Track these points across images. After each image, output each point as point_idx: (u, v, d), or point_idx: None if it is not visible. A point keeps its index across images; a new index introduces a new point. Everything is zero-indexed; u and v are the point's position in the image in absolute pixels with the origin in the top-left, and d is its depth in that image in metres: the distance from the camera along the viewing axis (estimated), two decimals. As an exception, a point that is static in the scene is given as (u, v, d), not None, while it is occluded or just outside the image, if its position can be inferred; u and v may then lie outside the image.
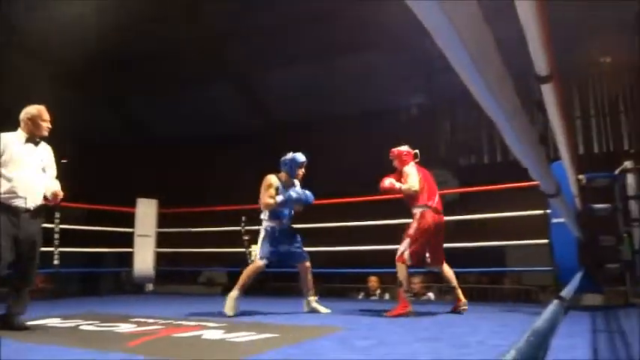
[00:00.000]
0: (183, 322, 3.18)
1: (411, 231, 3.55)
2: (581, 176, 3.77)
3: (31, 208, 2.85)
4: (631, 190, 4.05)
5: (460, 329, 2.88)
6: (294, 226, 3.90)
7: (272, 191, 3.70)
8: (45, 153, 3.01)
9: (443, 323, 3.19)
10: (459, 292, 3.64)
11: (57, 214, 5.07)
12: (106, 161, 9.06)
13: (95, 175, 8.42)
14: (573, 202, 3.51)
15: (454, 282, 3.65)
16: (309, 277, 3.80)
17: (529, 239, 4.52)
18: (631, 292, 4.13)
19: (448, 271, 3.67)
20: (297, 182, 3.83)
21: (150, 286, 6.40)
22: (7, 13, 5.92)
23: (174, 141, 9.55)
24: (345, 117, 8.33)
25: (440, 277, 6.52)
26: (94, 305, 4.40)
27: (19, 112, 2.96)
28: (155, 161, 9.58)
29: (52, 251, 5.14)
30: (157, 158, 9.64)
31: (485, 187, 5.10)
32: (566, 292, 2.13)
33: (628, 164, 4.10)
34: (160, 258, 6.51)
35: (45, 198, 2.96)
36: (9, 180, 2.79)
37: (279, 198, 3.66)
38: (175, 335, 2.70)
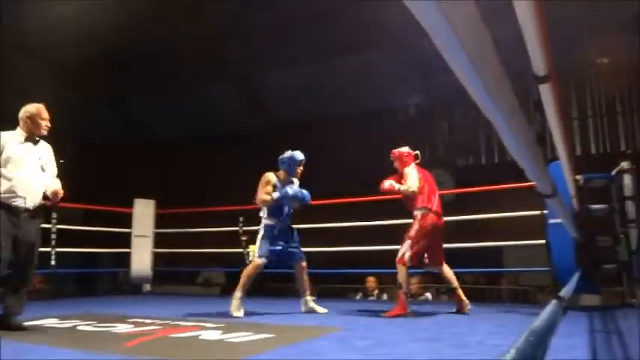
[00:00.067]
0: (181, 323, 3.18)
1: (412, 233, 3.55)
2: (578, 177, 3.78)
3: (31, 208, 2.84)
4: (628, 191, 4.05)
5: (458, 329, 2.89)
6: (294, 225, 3.90)
7: (269, 188, 3.70)
8: (44, 152, 2.99)
9: (441, 323, 3.19)
10: (461, 292, 3.64)
11: (54, 215, 5.06)
12: (105, 161, 9.04)
13: (93, 176, 8.40)
14: (570, 203, 3.52)
15: (455, 283, 3.65)
16: (305, 277, 3.80)
17: (526, 240, 4.53)
18: (628, 293, 4.14)
19: (448, 272, 3.67)
20: (295, 181, 3.83)
21: (147, 287, 6.39)
22: (7, 12, 5.89)
23: (174, 141, 9.53)
24: (345, 117, 8.32)
25: (437, 278, 6.55)
26: (91, 306, 4.38)
27: (18, 111, 2.93)
28: (154, 161, 9.56)
29: (50, 251, 5.13)
30: (156, 158, 9.62)
31: (483, 187, 5.10)
32: (565, 292, 2.13)
33: (625, 165, 4.11)
34: (157, 258, 6.50)
35: (45, 196, 2.94)
36: (8, 180, 2.77)
37: (276, 194, 3.66)
38: (173, 336, 2.69)
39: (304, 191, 3.74)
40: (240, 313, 3.49)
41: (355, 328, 2.96)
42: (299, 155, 3.81)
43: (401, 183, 3.64)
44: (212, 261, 8.06)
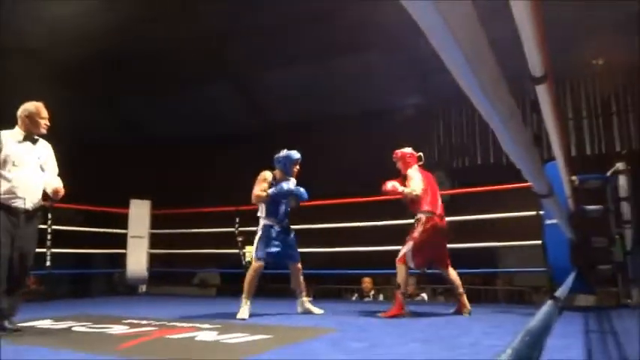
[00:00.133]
0: (177, 324, 3.17)
1: (415, 234, 3.54)
2: (573, 177, 3.79)
3: (30, 209, 2.81)
4: (623, 192, 4.08)
5: (454, 330, 2.89)
6: (291, 226, 3.88)
7: (264, 185, 3.68)
8: (44, 151, 2.95)
9: (437, 324, 3.19)
10: (465, 297, 3.62)
11: (49, 215, 5.03)
12: (101, 161, 8.99)
13: (89, 176, 8.36)
14: (566, 204, 3.53)
15: (460, 288, 3.63)
16: (301, 278, 3.79)
17: (523, 240, 4.54)
18: (623, 293, 4.15)
19: (454, 276, 3.65)
20: (292, 180, 3.80)
21: (143, 288, 6.37)
22: (4, 12, 5.86)
23: (172, 141, 9.51)
24: (345, 117, 8.33)
25: (433, 279, 6.55)
26: (86, 307, 4.36)
27: (14, 110, 2.89)
28: (151, 162, 9.54)
29: (45, 252, 5.10)
30: (154, 159, 9.60)
31: (479, 188, 5.12)
32: (560, 292, 2.14)
33: (620, 166, 4.13)
34: (153, 259, 6.48)
35: (45, 195, 2.91)
36: (8, 180, 2.74)
37: (271, 190, 3.64)
38: (169, 337, 2.68)
39: (301, 188, 3.71)
40: (245, 315, 3.48)
41: (351, 329, 2.96)
42: (295, 154, 3.79)
43: (404, 185, 3.63)
44: (208, 262, 8.04)
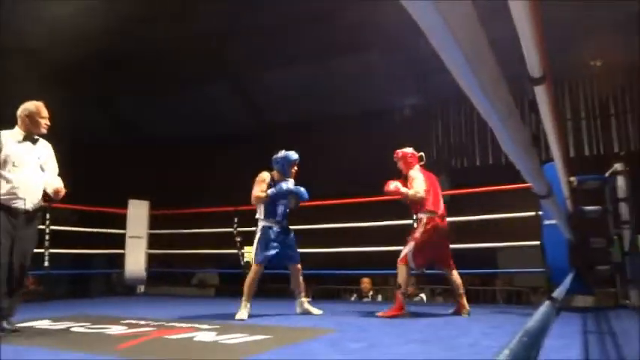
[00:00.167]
0: (176, 324, 3.16)
1: (417, 235, 3.54)
2: (572, 178, 3.80)
3: (30, 210, 2.78)
4: (621, 193, 4.08)
5: (452, 331, 2.89)
6: (290, 227, 3.87)
7: (263, 186, 3.66)
8: (44, 151, 2.92)
9: (435, 325, 3.19)
10: (464, 299, 3.62)
11: (47, 215, 5.02)
12: (100, 161, 8.98)
13: (90, 176, 8.35)
14: (564, 204, 3.54)
15: (461, 289, 3.63)
16: (300, 279, 3.78)
17: (521, 241, 4.55)
18: (621, 294, 4.16)
19: (457, 277, 3.64)
20: (290, 180, 3.78)
21: (141, 288, 6.36)
22: (3, 12, 5.86)
23: (172, 141, 9.51)
24: (345, 117, 8.34)
25: (431, 279, 6.55)
26: (84, 307, 4.36)
27: (12, 110, 2.87)
28: (150, 162, 9.53)
29: (43, 253, 5.09)
30: (153, 159, 9.60)
31: (477, 189, 5.12)
32: (558, 293, 2.14)
33: (618, 167, 4.14)
34: (151, 259, 6.47)
35: (46, 195, 2.89)
36: (8, 181, 2.70)
37: (271, 191, 3.62)
38: (167, 337, 2.68)
39: (301, 188, 3.69)
40: (244, 316, 3.48)
41: (350, 329, 2.96)
42: (293, 155, 3.77)
43: (406, 185, 3.62)
44: (207, 262, 8.04)
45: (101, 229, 6.11)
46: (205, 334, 2.72)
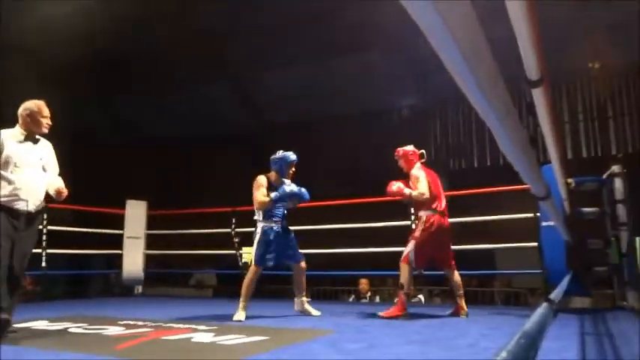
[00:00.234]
0: (173, 325, 3.16)
1: (417, 233, 3.53)
2: (569, 180, 3.81)
3: (33, 211, 2.74)
4: (619, 194, 4.09)
5: (451, 332, 2.89)
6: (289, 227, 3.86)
7: (264, 190, 3.64)
8: (45, 150, 2.86)
9: (433, 326, 3.19)
10: (463, 300, 3.62)
11: (44, 215, 5.01)
12: (100, 162, 8.96)
13: (89, 176, 8.33)
14: (562, 206, 3.54)
15: (461, 290, 3.63)
16: (303, 278, 3.76)
17: (519, 242, 4.55)
18: (618, 295, 4.17)
19: (457, 277, 3.63)
20: (287, 182, 3.76)
21: (139, 289, 6.35)
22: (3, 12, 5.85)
23: (172, 141, 9.50)
24: (345, 117, 8.34)
25: (430, 280, 6.55)
26: (82, 308, 4.35)
27: (13, 110, 2.82)
28: (149, 162, 9.52)
29: (40, 253, 5.08)
30: (155, 159, 9.59)
31: (475, 190, 5.13)
32: (555, 294, 2.14)
33: (616, 169, 4.15)
34: (149, 260, 6.46)
35: (47, 196, 2.85)
36: (10, 182, 2.65)
37: (274, 194, 3.60)
38: (165, 338, 2.67)
39: (302, 189, 3.68)
40: (242, 317, 3.47)
41: (348, 330, 2.96)
42: (291, 156, 3.76)
43: (407, 185, 3.61)
44: (205, 263, 8.02)
45: (99, 229, 6.09)
46: (203, 335, 2.72)
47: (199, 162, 9.58)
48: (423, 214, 3.57)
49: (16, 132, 2.76)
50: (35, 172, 2.77)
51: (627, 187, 4.09)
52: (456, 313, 3.61)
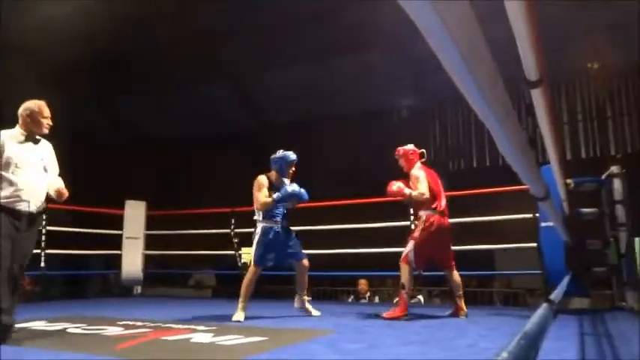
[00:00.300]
0: (172, 326, 3.15)
1: (416, 233, 3.52)
2: (568, 180, 3.81)
3: (34, 212, 2.72)
4: (617, 195, 4.09)
5: (450, 333, 2.89)
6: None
7: (266, 191, 3.63)
8: (45, 151, 2.84)
9: (433, 326, 3.19)
10: (462, 301, 3.62)
11: (43, 216, 5.00)
12: (100, 162, 8.95)
13: (89, 176, 8.33)
14: (561, 207, 3.54)
15: (460, 291, 3.62)
16: (305, 277, 3.74)
17: (518, 243, 4.55)
18: (617, 296, 4.18)
19: (457, 278, 3.63)
20: (287, 181, 3.76)
21: (138, 289, 6.34)
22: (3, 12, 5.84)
23: (173, 141, 9.50)
24: (345, 117, 8.34)
25: (429, 281, 6.55)
26: (80, 308, 4.34)
27: (12, 110, 2.80)
28: (153, 162, 9.52)
29: (39, 253, 5.07)
30: (155, 159, 9.58)
31: (475, 190, 5.13)
32: (555, 295, 2.15)
33: (615, 169, 4.15)
34: (148, 260, 6.45)
35: (47, 196, 2.83)
36: (12, 183, 2.63)
37: (276, 195, 3.59)
38: (164, 338, 2.67)
39: (302, 190, 3.68)
40: (241, 317, 3.47)
41: (348, 330, 2.96)
42: (291, 155, 3.75)
43: (407, 185, 3.60)
44: (204, 263, 8.01)
45: (98, 229, 6.09)
46: (202, 336, 2.72)
47: (199, 162, 9.58)
48: (422, 214, 3.56)
49: (16, 132, 2.73)
50: (36, 173, 2.74)
51: (626, 188, 4.09)
52: (455, 314, 3.60)
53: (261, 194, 3.62)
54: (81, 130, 8.64)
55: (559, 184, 3.00)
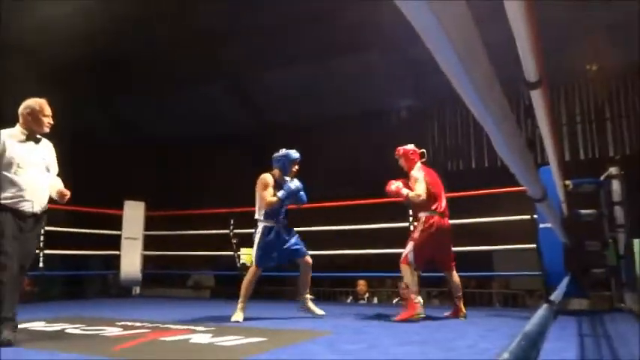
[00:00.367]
0: (171, 326, 3.15)
1: (416, 234, 3.52)
2: (567, 182, 3.81)
3: (38, 212, 2.69)
4: (616, 196, 4.09)
5: (449, 333, 2.89)
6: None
7: (271, 190, 3.61)
8: (47, 150, 2.81)
9: (432, 327, 3.19)
10: (461, 302, 3.61)
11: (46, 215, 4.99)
12: (100, 162, 8.94)
13: (89, 177, 8.32)
14: (560, 208, 3.54)
15: (460, 292, 3.61)
16: (309, 276, 3.72)
17: (517, 244, 4.55)
18: (616, 297, 4.18)
19: (456, 279, 3.62)
20: (288, 179, 3.72)
21: (137, 290, 6.34)
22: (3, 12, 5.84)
23: (173, 141, 9.50)
24: (345, 117, 8.34)
25: (428, 282, 6.54)
26: (79, 308, 4.34)
27: (12, 110, 2.78)
28: (152, 162, 9.51)
29: (38, 253, 5.06)
30: (155, 159, 9.57)
31: (474, 192, 5.13)
32: (556, 296, 2.15)
33: (613, 170, 4.15)
34: (147, 261, 6.44)
35: (50, 198, 2.80)
36: (14, 183, 2.59)
37: (281, 193, 3.57)
38: (163, 339, 2.67)
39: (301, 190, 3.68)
40: (240, 318, 3.46)
41: (346, 331, 2.96)
42: (294, 154, 3.73)
43: (407, 185, 3.60)
44: (202, 264, 8.01)
45: (97, 230, 6.08)
46: (201, 336, 2.72)
47: (199, 162, 9.57)
48: (422, 215, 3.55)
49: (17, 131, 2.69)
50: (39, 173, 2.71)
51: (625, 189, 4.09)
52: (454, 315, 3.60)
53: (267, 193, 3.59)
54: (81, 130, 8.63)
55: (558, 186, 3.00)
